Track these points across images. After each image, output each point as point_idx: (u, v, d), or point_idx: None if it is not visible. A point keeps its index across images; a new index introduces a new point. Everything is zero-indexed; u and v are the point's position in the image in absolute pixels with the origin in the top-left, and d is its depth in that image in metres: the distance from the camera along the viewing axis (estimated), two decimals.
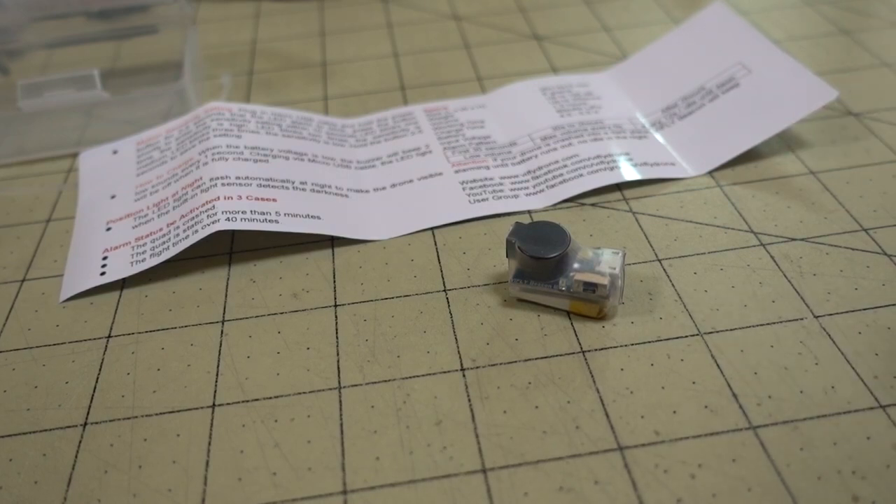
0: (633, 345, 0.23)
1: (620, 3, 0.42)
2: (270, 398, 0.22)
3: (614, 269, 0.23)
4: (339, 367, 0.23)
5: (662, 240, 0.26)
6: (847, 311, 0.23)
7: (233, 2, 0.46)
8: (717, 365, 0.22)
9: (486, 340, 0.23)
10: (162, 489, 0.20)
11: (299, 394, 0.22)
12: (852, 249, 0.25)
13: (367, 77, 0.38)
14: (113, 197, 0.30)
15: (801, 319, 0.23)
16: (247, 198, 0.27)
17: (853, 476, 0.19)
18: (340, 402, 0.22)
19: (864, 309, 0.23)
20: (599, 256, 0.23)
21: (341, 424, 0.21)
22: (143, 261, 0.27)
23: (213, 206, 0.27)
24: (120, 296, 0.26)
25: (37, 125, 0.34)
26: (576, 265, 0.23)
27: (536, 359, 0.22)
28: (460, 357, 0.23)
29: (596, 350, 0.23)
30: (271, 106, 0.33)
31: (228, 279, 0.26)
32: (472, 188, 0.29)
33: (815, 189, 0.28)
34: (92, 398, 0.23)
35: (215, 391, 0.22)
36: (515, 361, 0.22)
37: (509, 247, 0.23)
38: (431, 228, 0.28)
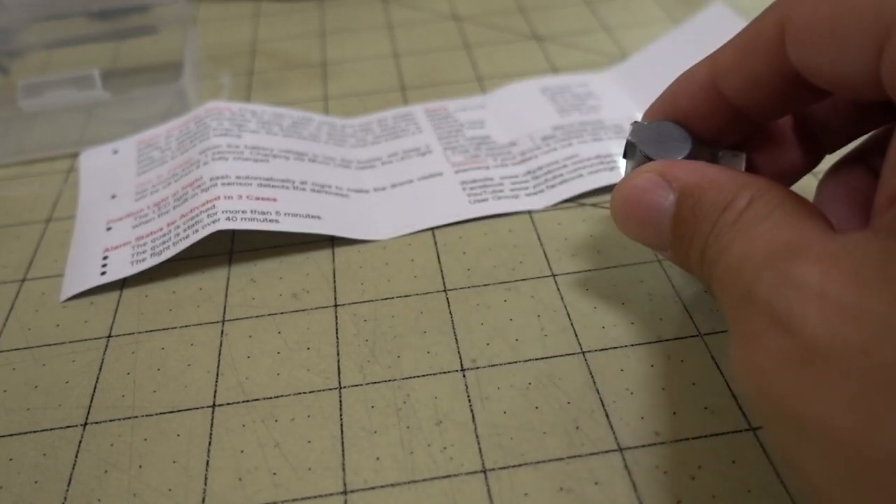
0: (632, 345, 0.23)
1: (620, 3, 0.42)
2: (270, 398, 0.22)
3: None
4: (339, 367, 0.23)
5: None
6: None
7: (233, 2, 0.46)
8: (717, 366, 0.22)
9: (486, 340, 0.23)
10: (162, 489, 0.20)
11: (299, 394, 0.22)
12: None
13: (367, 77, 0.38)
14: (113, 197, 0.30)
15: None
16: (247, 197, 0.27)
17: None
18: (340, 402, 0.22)
19: None
20: (719, 160, 0.22)
21: (341, 424, 0.21)
22: (143, 260, 0.27)
23: (214, 206, 0.27)
24: (120, 295, 0.26)
25: (37, 125, 0.34)
26: None
27: (536, 359, 0.22)
28: (460, 357, 0.23)
29: (596, 350, 0.23)
30: (271, 106, 0.33)
31: (228, 279, 0.26)
32: (472, 188, 0.29)
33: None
34: (92, 398, 0.23)
35: (215, 391, 0.22)
36: (515, 361, 0.22)
37: (629, 147, 0.22)
38: (431, 228, 0.28)
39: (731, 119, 0.20)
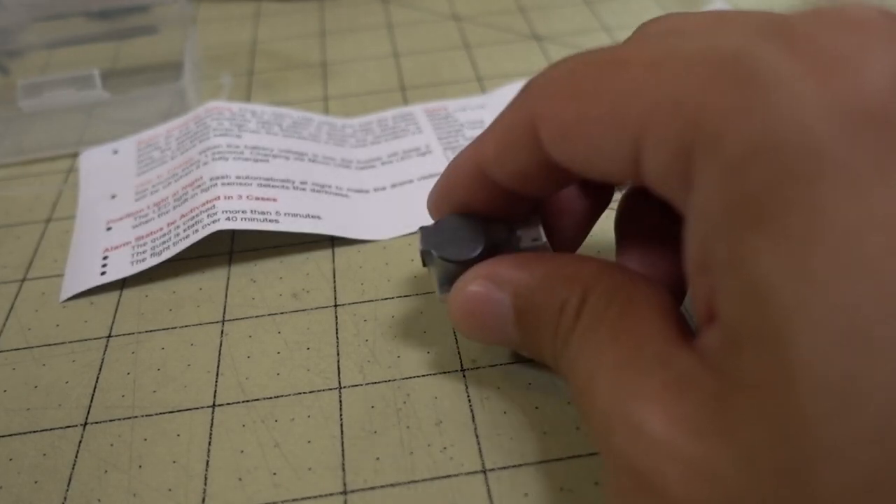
0: None
1: (620, 3, 0.42)
2: (270, 398, 0.22)
3: (537, 240, 0.21)
4: (339, 367, 0.23)
5: None
6: None
7: (233, 2, 0.46)
8: None
9: None
10: (162, 489, 0.20)
11: (299, 394, 0.22)
12: None
13: (367, 77, 0.38)
14: (113, 197, 0.30)
15: None
16: (247, 197, 0.27)
17: None
18: (340, 402, 0.22)
19: None
20: (517, 233, 0.21)
21: (341, 424, 0.21)
22: (143, 260, 0.27)
23: (214, 206, 0.27)
24: (120, 295, 0.26)
25: (37, 125, 0.34)
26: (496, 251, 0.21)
27: None
28: (460, 357, 0.23)
29: None
30: (271, 106, 0.33)
31: (228, 279, 0.26)
32: None
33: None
34: (92, 398, 0.23)
35: (215, 391, 0.22)
36: (515, 362, 0.22)
37: (425, 255, 0.21)
38: None
39: (512, 200, 0.20)
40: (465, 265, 0.20)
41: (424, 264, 0.21)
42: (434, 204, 0.22)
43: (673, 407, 0.14)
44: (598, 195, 0.22)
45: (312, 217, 0.27)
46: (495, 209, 0.20)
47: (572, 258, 0.19)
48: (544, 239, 0.21)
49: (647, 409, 0.14)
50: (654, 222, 0.20)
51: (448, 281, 0.21)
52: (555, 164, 0.17)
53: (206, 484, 0.20)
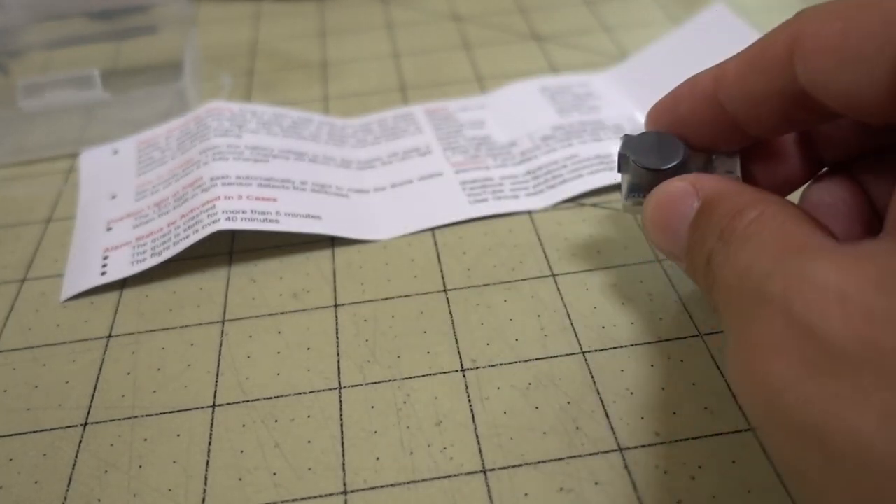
0: (632, 345, 0.23)
1: (620, 3, 0.42)
2: (270, 398, 0.22)
3: (732, 172, 0.21)
4: (339, 367, 0.23)
5: None
6: None
7: (233, 2, 0.46)
8: (717, 366, 0.22)
9: (486, 340, 0.23)
10: (162, 489, 0.20)
11: (299, 394, 0.22)
12: None
13: (367, 77, 0.38)
14: (114, 197, 0.30)
15: None
16: (247, 197, 0.27)
17: None
18: (340, 402, 0.22)
19: None
20: (714, 162, 0.22)
21: (341, 424, 0.21)
22: (143, 260, 0.27)
23: (214, 206, 0.27)
24: (120, 295, 0.26)
25: (37, 125, 0.34)
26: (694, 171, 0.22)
27: (536, 359, 0.22)
28: (460, 357, 0.23)
29: (596, 350, 0.23)
30: (272, 106, 0.33)
31: (229, 279, 0.26)
32: (472, 188, 0.29)
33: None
34: (92, 398, 0.23)
35: (215, 391, 0.22)
36: (515, 362, 0.22)
37: (622, 159, 0.22)
38: (431, 228, 0.28)
39: (730, 130, 0.20)
40: (657, 175, 0.20)
41: (619, 169, 0.22)
42: (653, 113, 0.22)
43: (851, 267, 0.13)
44: (809, 162, 0.21)
45: (312, 217, 0.27)
46: (710, 135, 0.21)
47: (764, 191, 0.18)
48: (738, 173, 0.21)
49: (819, 263, 0.13)
50: (841, 196, 0.20)
51: (636, 189, 0.22)
52: (796, 97, 0.17)
53: (206, 484, 0.20)
